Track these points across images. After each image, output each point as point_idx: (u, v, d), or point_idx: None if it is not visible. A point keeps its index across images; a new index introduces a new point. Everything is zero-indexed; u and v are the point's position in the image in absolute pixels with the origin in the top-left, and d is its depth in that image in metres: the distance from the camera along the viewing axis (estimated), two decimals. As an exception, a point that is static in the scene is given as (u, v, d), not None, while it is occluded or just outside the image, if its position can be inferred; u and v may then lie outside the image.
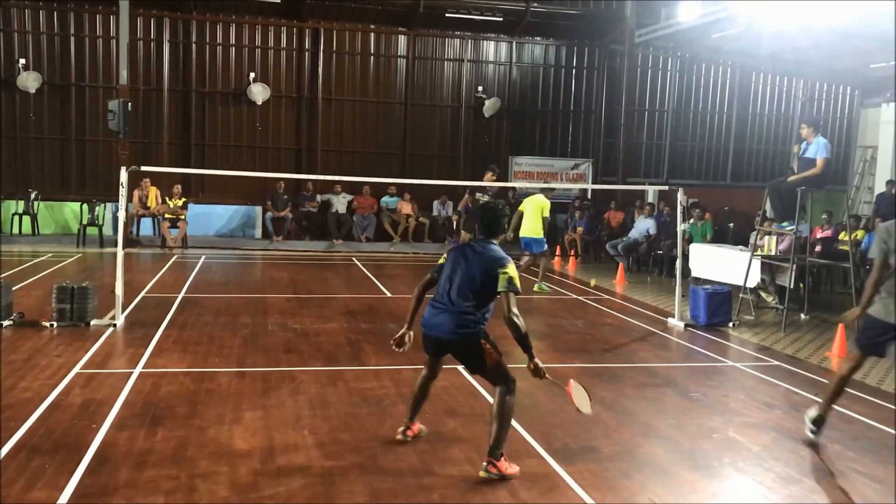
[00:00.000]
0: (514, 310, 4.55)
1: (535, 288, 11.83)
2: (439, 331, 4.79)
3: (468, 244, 4.98)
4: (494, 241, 4.90)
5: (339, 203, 18.18)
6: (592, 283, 11.84)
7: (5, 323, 8.06)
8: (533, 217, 11.86)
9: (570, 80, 20.59)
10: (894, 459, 5.14)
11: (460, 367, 6.98)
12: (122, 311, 8.59)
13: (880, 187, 17.75)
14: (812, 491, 4.61)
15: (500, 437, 4.63)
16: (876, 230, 5.49)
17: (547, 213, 11.89)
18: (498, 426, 4.63)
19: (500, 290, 4.63)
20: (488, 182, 12.76)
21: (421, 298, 5.02)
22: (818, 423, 5.47)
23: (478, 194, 13.13)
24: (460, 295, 4.73)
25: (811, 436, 5.47)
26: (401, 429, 5.16)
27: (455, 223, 13.67)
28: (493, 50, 20.03)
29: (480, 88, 19.79)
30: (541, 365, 4.66)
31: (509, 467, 4.62)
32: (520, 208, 12.03)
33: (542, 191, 12.23)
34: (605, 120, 20.57)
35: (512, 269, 4.67)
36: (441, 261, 5.01)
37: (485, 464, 4.58)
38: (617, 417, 5.82)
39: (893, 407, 6.40)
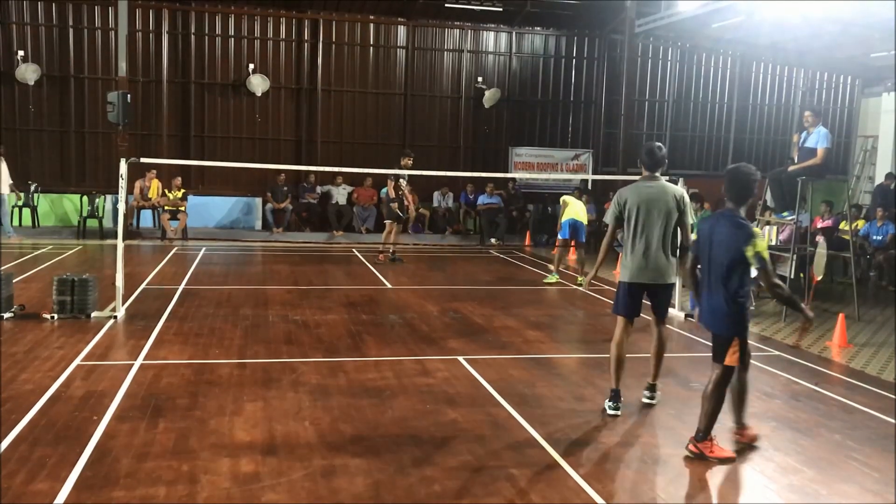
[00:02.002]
0: (775, 281, 4.69)
1: (580, 280, 12.14)
2: (704, 320, 4.94)
3: (717, 215, 4.96)
4: (741, 212, 4.84)
5: (340, 194, 18.16)
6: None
7: (6, 315, 8.07)
8: (581, 207, 12.34)
9: (570, 70, 20.53)
10: (894, 449, 5.15)
11: (461, 357, 7.02)
12: (123, 303, 8.61)
13: (881, 177, 17.70)
14: (812, 481, 4.62)
15: (705, 419, 4.82)
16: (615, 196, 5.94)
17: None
18: (705, 409, 4.83)
19: (756, 268, 4.68)
20: (405, 170, 12.84)
21: (694, 273, 5.14)
22: (614, 398, 5.70)
23: (401, 180, 13.24)
24: (713, 280, 4.80)
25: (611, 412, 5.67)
26: (736, 437, 5.15)
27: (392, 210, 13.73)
28: (493, 40, 19.95)
29: (480, 79, 19.73)
30: (810, 315, 4.88)
31: (717, 451, 4.80)
32: (564, 199, 12.42)
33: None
34: (606, 110, 20.51)
35: (760, 244, 4.62)
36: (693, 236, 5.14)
37: (688, 442, 4.86)
38: (617, 408, 5.82)
39: (893, 397, 6.42)
